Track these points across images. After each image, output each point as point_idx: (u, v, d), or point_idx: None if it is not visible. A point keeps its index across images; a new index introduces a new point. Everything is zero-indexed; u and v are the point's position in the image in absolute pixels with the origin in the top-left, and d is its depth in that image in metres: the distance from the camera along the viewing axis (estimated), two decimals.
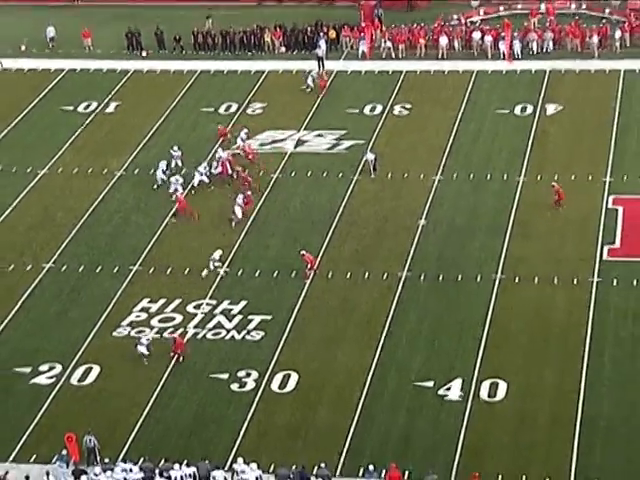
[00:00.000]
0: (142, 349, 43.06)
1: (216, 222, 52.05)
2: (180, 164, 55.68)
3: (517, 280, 46.96)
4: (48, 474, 37.13)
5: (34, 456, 39.07)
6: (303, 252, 47.88)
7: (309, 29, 69.31)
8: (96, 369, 43.28)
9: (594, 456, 37.95)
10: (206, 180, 54.31)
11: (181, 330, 44.81)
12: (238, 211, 51.34)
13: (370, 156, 55.05)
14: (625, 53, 65.87)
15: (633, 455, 38.00)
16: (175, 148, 56.20)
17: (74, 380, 42.79)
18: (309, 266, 47.63)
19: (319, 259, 48.66)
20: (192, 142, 58.42)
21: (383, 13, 71.30)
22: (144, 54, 69.65)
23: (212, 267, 48.03)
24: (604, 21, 68.33)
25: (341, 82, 64.86)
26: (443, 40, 67.05)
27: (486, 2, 73.60)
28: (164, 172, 54.68)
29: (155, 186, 54.45)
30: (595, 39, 65.64)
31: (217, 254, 48.26)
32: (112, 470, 37.26)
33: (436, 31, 67.92)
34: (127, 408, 41.12)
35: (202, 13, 72.91)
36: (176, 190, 53.36)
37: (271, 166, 56.10)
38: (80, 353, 44.10)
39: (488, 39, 66.73)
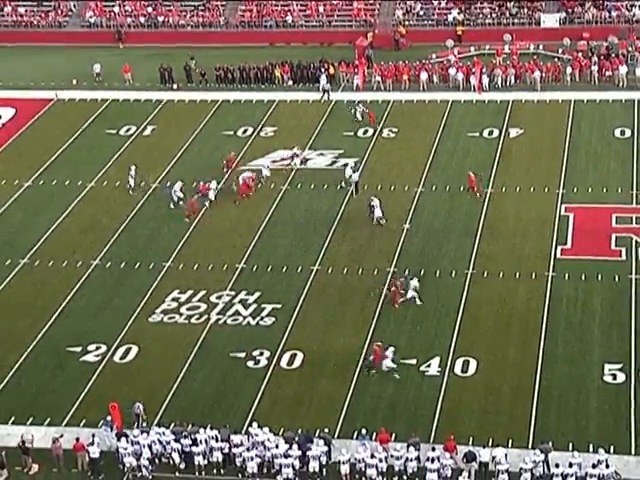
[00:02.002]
0: (389, 363, 40.30)
1: (235, 226, 51.92)
2: (133, 184, 55.05)
3: (485, 275, 46.79)
4: (94, 436, 37.00)
5: (83, 421, 39.00)
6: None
7: (312, 65, 69.22)
8: (135, 349, 43.15)
9: (549, 421, 37.85)
10: (212, 197, 53.74)
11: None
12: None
13: (355, 177, 54.17)
14: (575, 86, 65.68)
15: (581, 419, 37.92)
16: (132, 167, 55.67)
17: (116, 358, 42.66)
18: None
19: (321, 257, 48.55)
20: (214, 160, 58.29)
21: (373, 53, 71.21)
22: (175, 86, 69.52)
23: (411, 294, 44.73)
24: (556, 59, 68.24)
25: (339, 110, 64.68)
26: (424, 75, 66.88)
27: (459, 43, 73.53)
28: (181, 190, 53.90)
29: (172, 205, 53.50)
30: (537, 74, 65.54)
31: (415, 281, 45.01)
32: (148, 433, 37.16)
33: (418, 67, 67.79)
34: (160, 382, 40.98)
35: (222, 53, 73.06)
36: (180, 198, 53.07)
37: (280, 179, 55.97)
38: (121, 335, 43.97)
39: (460, 74, 66.63)
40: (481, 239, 49.57)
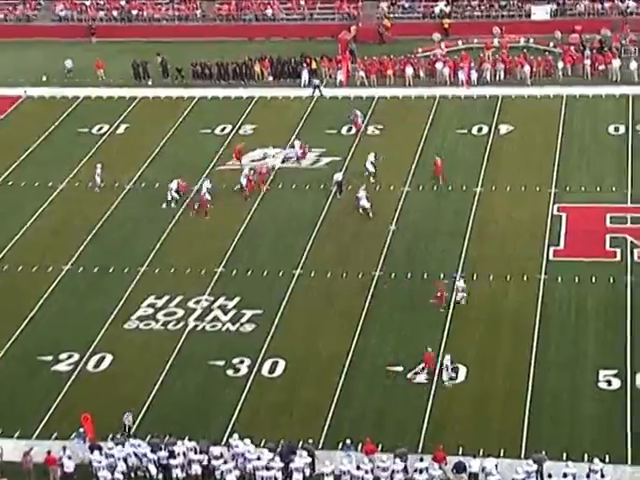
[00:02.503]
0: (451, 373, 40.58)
1: (213, 229, 51.85)
2: (100, 181, 55.41)
3: (475, 277, 46.87)
4: (65, 449, 36.91)
5: (55, 434, 38.82)
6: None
7: (293, 60, 69.23)
8: (109, 357, 43.03)
9: (542, 429, 37.90)
10: (208, 197, 53.78)
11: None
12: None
13: (338, 177, 54.10)
14: (567, 81, 65.89)
15: (575, 428, 37.99)
16: (99, 165, 55.86)
17: (90, 367, 42.53)
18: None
19: (303, 260, 48.56)
20: (192, 159, 58.26)
21: (356, 47, 71.22)
22: (150, 83, 69.42)
23: (460, 295, 44.75)
24: (547, 53, 68.43)
25: (321, 106, 64.72)
26: (409, 70, 67.00)
27: (446, 37, 73.68)
28: (177, 192, 53.92)
29: (164, 205, 53.67)
30: (527, 69, 65.79)
31: (462, 282, 44.94)
32: (123, 445, 37.08)
33: (403, 62, 67.91)
34: (136, 392, 40.84)
35: (199, 48, 73.04)
36: (175, 199, 53.39)
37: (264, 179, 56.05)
38: (95, 343, 43.84)
39: (447, 69, 66.77)
40: (470, 240, 49.66)
